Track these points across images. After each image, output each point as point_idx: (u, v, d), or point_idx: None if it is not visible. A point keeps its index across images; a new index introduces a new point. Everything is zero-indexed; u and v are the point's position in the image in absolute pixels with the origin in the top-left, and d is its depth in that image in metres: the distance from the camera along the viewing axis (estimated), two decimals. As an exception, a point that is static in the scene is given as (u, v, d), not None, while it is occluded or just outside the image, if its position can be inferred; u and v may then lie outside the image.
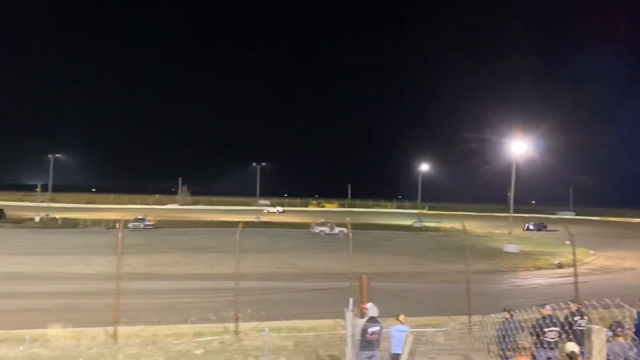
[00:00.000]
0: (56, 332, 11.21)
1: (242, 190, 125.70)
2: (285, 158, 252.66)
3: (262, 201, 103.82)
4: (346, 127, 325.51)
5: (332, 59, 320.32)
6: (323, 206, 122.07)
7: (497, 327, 8.92)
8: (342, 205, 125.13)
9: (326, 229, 47.63)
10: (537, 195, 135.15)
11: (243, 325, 12.52)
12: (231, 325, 12.49)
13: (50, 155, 73.48)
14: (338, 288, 13.80)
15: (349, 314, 8.93)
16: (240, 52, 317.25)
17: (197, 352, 10.84)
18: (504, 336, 8.42)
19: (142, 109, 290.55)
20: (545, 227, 64.83)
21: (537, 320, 8.44)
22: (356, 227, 14.63)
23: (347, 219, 15.07)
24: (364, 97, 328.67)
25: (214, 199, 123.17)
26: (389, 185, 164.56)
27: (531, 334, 7.83)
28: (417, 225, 64.56)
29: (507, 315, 8.92)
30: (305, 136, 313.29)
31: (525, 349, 4.12)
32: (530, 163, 51.39)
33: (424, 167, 75.34)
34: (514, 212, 47.37)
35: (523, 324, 8.94)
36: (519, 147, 43.15)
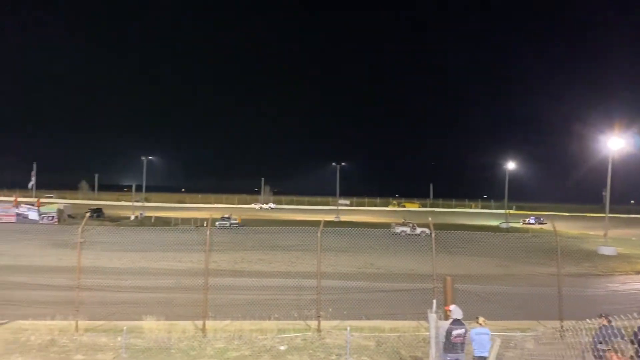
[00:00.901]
0: (150, 325, 11.90)
1: (322, 190, 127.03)
2: (365, 157, 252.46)
3: (341, 201, 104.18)
4: (428, 125, 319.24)
5: (413, 55, 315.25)
6: (404, 206, 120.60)
7: (593, 333, 8.37)
8: (424, 205, 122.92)
9: (407, 229, 46.99)
10: (638, 195, 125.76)
11: (325, 324, 12.64)
12: (313, 323, 12.65)
13: (143, 158, 78.01)
14: (420, 289, 13.57)
15: (432, 316, 8.77)
16: (320, 52, 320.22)
17: (281, 348, 11.07)
18: (600, 343, 7.89)
19: (227, 112, 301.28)
20: (543, 221, 68.56)
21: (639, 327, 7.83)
22: (439, 227, 14.29)
23: (430, 218, 14.77)
24: (447, 94, 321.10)
25: (294, 198, 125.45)
26: (474, 184, 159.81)
27: (632, 341, 7.29)
28: (504, 225, 62.10)
29: (605, 322, 8.35)
30: (386, 135, 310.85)
31: (623, 354, 3.82)
32: (628, 160, 47.85)
33: (511, 165, 72.09)
34: (610, 213, 44.27)
35: (623, 331, 8.34)
36: (616, 143, 40.24)
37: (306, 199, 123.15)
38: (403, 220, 51.60)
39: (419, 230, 46.22)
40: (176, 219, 56.16)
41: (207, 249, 12.91)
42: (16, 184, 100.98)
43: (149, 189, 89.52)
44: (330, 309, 13.17)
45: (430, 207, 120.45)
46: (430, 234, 13.73)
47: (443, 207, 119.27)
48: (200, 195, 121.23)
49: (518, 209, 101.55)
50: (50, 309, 12.83)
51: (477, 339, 8.62)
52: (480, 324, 8.91)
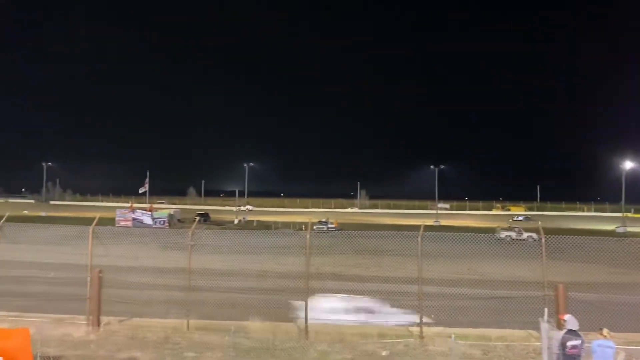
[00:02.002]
0: (255, 325, 12.31)
1: (420, 194, 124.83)
2: (465, 159, 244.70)
3: (441, 205, 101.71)
4: (534, 124, 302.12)
5: (516, 55, 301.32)
6: (508, 209, 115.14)
7: None
8: (530, 209, 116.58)
9: (513, 234, 44.86)
10: None
11: (427, 330, 12.34)
12: (415, 329, 12.40)
13: (245, 165, 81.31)
14: (528, 297, 12.85)
15: (544, 325, 8.26)
16: (422, 55, 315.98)
17: (383, 353, 10.96)
18: None
19: (323, 117, 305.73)
20: (529, 219, 69.40)
21: None
22: (548, 232, 13.45)
23: (539, 222, 13.95)
24: (553, 92, 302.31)
25: (391, 202, 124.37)
26: (586, 186, 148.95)
27: None
28: (620, 230, 57.29)
29: None
30: (486, 136, 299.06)
31: None
32: None
33: (629, 164, 66.22)
34: None
35: None
36: None
37: (404, 202, 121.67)
38: (509, 225, 49.38)
39: (525, 235, 43.92)
40: (276, 222, 57.84)
41: (307, 252, 13.13)
42: (132, 191, 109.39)
43: (251, 194, 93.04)
44: (433, 316, 12.85)
45: (538, 210, 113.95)
46: (539, 238, 12.98)
47: (552, 211, 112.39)
48: (298, 200, 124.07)
49: (637, 212, 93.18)
50: (164, 308, 13.69)
51: (599, 351, 7.96)
52: (605, 336, 8.22)
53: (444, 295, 16.24)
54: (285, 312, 13.87)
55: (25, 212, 73.70)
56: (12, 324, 12.10)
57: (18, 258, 21.32)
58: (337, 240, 39.17)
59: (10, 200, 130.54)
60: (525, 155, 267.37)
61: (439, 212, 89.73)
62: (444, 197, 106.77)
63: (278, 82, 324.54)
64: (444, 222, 71.29)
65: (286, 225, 55.62)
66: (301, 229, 49.95)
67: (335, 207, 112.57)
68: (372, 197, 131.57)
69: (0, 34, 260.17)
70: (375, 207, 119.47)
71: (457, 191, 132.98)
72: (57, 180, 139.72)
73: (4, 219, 14.23)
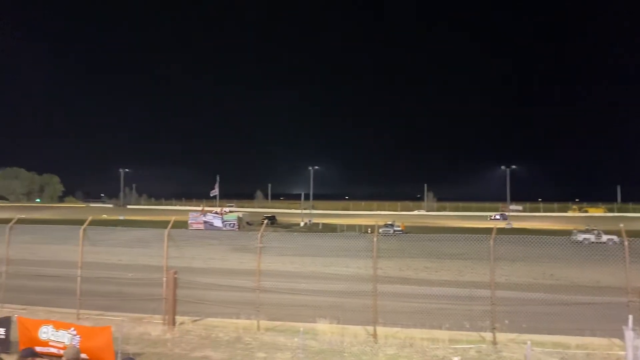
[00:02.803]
0: (324, 327, 12.37)
1: (491, 196, 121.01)
2: (539, 160, 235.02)
3: (512, 206, 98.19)
4: (614, 119, 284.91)
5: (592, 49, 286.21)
6: (586, 211, 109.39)
7: None
8: (610, 210, 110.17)
9: (591, 237, 42.59)
10: None
11: (500, 336, 11.93)
12: (488, 335, 12.02)
13: (310, 168, 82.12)
14: (609, 303, 12.16)
15: (629, 333, 7.78)
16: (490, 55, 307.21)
17: (455, 358, 10.69)
18: None
19: (390, 116, 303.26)
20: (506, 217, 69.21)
21: None
22: (632, 234, 12.66)
23: (621, 225, 13.14)
24: (633, 87, 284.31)
25: (460, 204, 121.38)
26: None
27: None
28: None
29: None
30: (560, 135, 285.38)
31: None
32: None
33: None
34: None
35: None
36: None
37: (473, 205, 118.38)
38: (587, 227, 46.92)
39: (605, 237, 41.59)
40: (341, 225, 57.92)
41: (374, 255, 13.05)
42: (203, 195, 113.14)
43: (316, 197, 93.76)
44: (507, 321, 12.42)
45: (618, 211, 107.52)
46: (621, 241, 12.23)
47: (634, 212, 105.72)
48: (363, 203, 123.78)
49: None
50: (235, 308, 14.02)
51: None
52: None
53: (518, 300, 15.66)
54: (353, 314, 13.87)
55: (104, 216, 77.91)
56: (94, 322, 12.81)
57: (99, 259, 22.59)
58: (404, 244, 38.76)
59: (91, 204, 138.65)
60: (603, 155, 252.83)
61: (511, 214, 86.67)
62: (515, 199, 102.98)
63: (342, 85, 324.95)
64: (516, 225, 68.77)
65: (351, 228, 55.56)
66: (367, 232, 49.76)
67: (401, 210, 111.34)
68: (439, 199, 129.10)
69: (76, 44, 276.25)
70: (443, 209, 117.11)
71: (529, 192, 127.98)
72: (134, 186, 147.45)
73: (86, 222, 15.10)
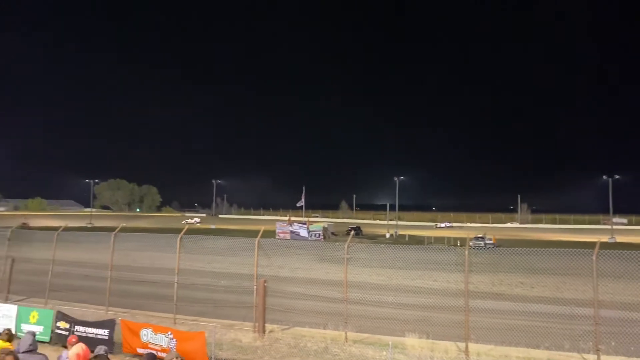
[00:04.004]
0: (413, 342, 12.07)
1: (592, 208, 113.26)
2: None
3: (616, 219, 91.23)
4: None
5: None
6: None
7: None
8: None
9: None
10: None
11: (606, 359, 11.04)
12: (591, 357, 11.18)
13: (395, 178, 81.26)
14: None
15: None
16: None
17: (554, 381, 10.03)
18: None
19: (480, 125, 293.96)
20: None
21: None
22: None
23: None
24: None
25: (557, 216, 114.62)
26: None
27: None
28: None
29: None
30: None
31: None
32: None
33: None
34: None
35: None
36: None
37: (571, 217, 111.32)
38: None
39: None
40: (429, 237, 56.67)
41: (466, 268, 12.60)
42: (289, 205, 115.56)
43: (402, 208, 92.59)
44: (613, 343, 11.48)
45: None
46: None
47: None
48: (451, 214, 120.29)
49: None
50: (322, 319, 14.08)
51: None
52: None
53: (625, 321, 14.42)
54: (443, 330, 13.44)
55: (198, 225, 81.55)
56: (189, 327, 13.37)
57: (194, 267, 23.62)
58: (496, 257, 37.09)
59: (186, 214, 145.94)
60: None
61: (615, 227, 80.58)
62: (620, 211, 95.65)
63: (430, 94, 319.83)
64: (620, 239, 63.86)
65: (439, 240, 54.20)
66: (455, 245, 48.30)
67: (492, 222, 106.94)
68: (534, 211, 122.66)
69: (168, 59, 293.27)
70: (539, 221, 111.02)
71: (636, 204, 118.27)
72: (225, 196, 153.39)
73: (183, 231, 15.86)
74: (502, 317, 16.20)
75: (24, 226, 55.68)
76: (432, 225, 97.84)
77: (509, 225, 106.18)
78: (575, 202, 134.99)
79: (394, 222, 78.14)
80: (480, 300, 16.00)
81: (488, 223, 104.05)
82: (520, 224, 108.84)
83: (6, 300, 16.00)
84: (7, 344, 7.65)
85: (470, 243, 48.75)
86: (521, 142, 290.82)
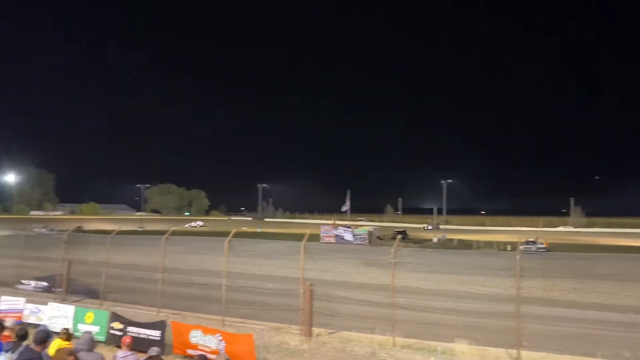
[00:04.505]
0: (462, 348, 11.83)
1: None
2: None
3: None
4: None
5: None
6: None
7: None
8: None
9: None
10: None
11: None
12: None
13: (443, 181, 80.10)
14: None
15: None
16: None
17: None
18: None
19: (531, 125, 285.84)
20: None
21: None
22: None
23: None
24: None
25: (613, 220, 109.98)
26: None
27: None
28: None
29: None
30: None
31: None
32: None
33: None
34: None
35: None
36: None
37: (629, 221, 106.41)
38: None
39: None
40: (477, 241, 55.49)
41: (517, 273, 12.27)
42: (334, 209, 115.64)
43: (450, 212, 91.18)
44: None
45: None
46: None
47: None
48: (501, 218, 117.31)
49: None
50: (369, 323, 13.99)
51: None
52: None
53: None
54: (493, 336, 13.10)
55: (244, 228, 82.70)
56: (237, 329, 13.55)
57: (241, 269, 23.93)
58: (548, 262, 35.94)
59: (233, 217, 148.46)
60: None
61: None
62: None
63: (477, 96, 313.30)
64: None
65: (488, 244, 52.98)
66: (505, 249, 47.09)
67: (543, 226, 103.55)
68: (588, 214, 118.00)
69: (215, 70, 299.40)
70: (593, 225, 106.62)
71: None
72: (270, 200, 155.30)
73: (231, 235, 16.11)
74: (555, 324, 15.70)
75: (79, 230, 57.93)
76: (479, 229, 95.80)
77: (561, 229, 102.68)
78: (634, 205, 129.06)
79: (441, 226, 76.94)
80: (532, 306, 15.53)
81: (539, 227, 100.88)
82: (574, 227, 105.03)
83: (64, 300, 16.65)
84: (65, 343, 7.95)
85: (521, 247, 47.39)
86: (575, 144, 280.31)
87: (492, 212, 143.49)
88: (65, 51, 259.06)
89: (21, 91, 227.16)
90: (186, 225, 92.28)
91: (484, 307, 17.63)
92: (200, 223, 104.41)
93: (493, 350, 12.00)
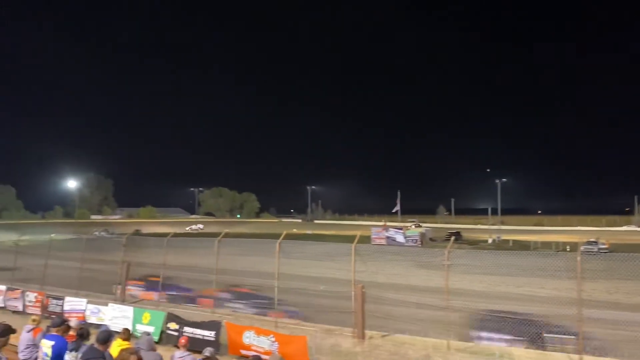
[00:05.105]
0: (520, 352, 11.46)
1: None
2: None
3: None
4: None
5: None
6: None
7: None
8: None
9: None
10: None
11: None
12: None
13: (497, 180, 78.09)
14: None
15: None
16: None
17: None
18: None
19: (590, 119, 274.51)
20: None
21: None
22: None
23: None
24: None
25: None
26: None
27: None
28: None
29: None
30: None
31: None
32: None
33: None
34: None
35: None
36: None
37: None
38: None
39: None
40: (535, 242, 53.71)
41: (578, 275, 11.79)
42: (384, 210, 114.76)
43: (505, 212, 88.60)
44: None
45: None
46: None
47: None
48: (560, 217, 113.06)
49: None
50: (422, 326, 13.75)
51: None
52: None
53: None
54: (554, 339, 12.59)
55: (294, 230, 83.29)
56: (290, 331, 13.59)
57: (292, 271, 24.06)
58: (611, 263, 34.24)
59: (283, 219, 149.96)
60: None
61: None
62: None
63: (532, 93, 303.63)
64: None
65: (546, 245, 51.16)
66: (564, 250, 45.33)
67: (606, 225, 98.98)
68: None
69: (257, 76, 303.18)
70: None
71: None
72: (319, 202, 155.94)
73: (282, 236, 16.23)
74: (620, 328, 14.94)
75: (137, 233, 59.98)
76: (537, 230, 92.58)
77: (624, 228, 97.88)
78: None
79: (495, 227, 74.88)
80: (594, 310, 14.82)
81: (600, 226, 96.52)
82: (638, 227, 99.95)
83: (123, 302, 17.24)
84: (125, 343, 8.19)
85: (582, 248, 45.49)
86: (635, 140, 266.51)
87: (547, 212, 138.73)
88: (127, 61, 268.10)
89: (82, 102, 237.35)
90: (187, 228, 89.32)
91: (544, 310, 17.00)
92: (201, 226, 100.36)
93: (554, 355, 11.56)
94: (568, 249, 44.21)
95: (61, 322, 8.49)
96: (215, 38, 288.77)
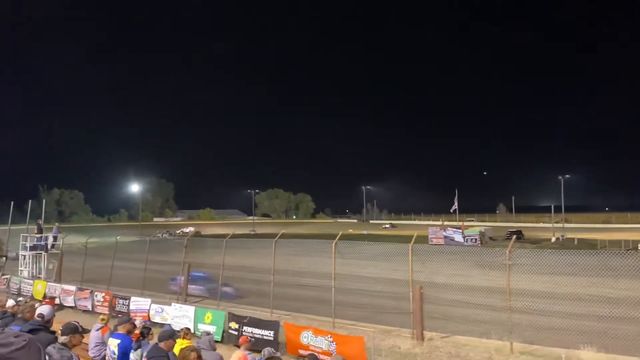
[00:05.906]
0: (589, 356, 10.92)
1: None
2: None
3: None
4: None
5: None
6: None
7: None
8: None
9: None
10: None
11: None
12: None
13: (560, 177, 75.02)
14: None
15: None
16: None
17: None
18: None
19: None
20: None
21: None
22: None
23: None
24: None
25: None
26: None
27: None
28: None
29: None
30: None
31: None
32: None
33: None
34: None
35: None
36: None
37: None
38: None
39: None
40: (602, 240, 51.23)
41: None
42: (442, 210, 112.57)
43: (569, 210, 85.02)
44: None
45: None
46: None
47: None
48: (629, 214, 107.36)
49: None
50: (483, 327, 13.36)
51: None
52: None
53: None
54: (626, 343, 11.92)
55: (350, 230, 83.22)
56: (348, 331, 13.55)
57: (349, 271, 24.00)
58: (687, 262, 32.22)
59: (338, 220, 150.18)
60: None
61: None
62: None
63: (596, 82, 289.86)
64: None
65: (615, 243, 48.69)
66: (635, 249, 43.00)
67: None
68: None
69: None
70: None
71: None
72: (375, 202, 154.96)
73: (337, 237, 16.21)
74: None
75: (197, 234, 61.69)
76: (603, 228, 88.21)
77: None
78: None
79: (559, 225, 71.96)
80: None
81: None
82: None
83: (185, 301, 17.73)
84: (185, 341, 8.39)
85: (654, 246, 43.11)
86: None
87: (613, 209, 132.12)
88: (187, 69, 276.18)
89: (144, 112, 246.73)
90: (177, 232, 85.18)
91: (613, 312, 16.14)
92: (192, 228, 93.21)
93: (625, 359, 10.92)
94: (639, 248, 41.90)
95: (127, 321, 8.80)
96: (288, 49, 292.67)
